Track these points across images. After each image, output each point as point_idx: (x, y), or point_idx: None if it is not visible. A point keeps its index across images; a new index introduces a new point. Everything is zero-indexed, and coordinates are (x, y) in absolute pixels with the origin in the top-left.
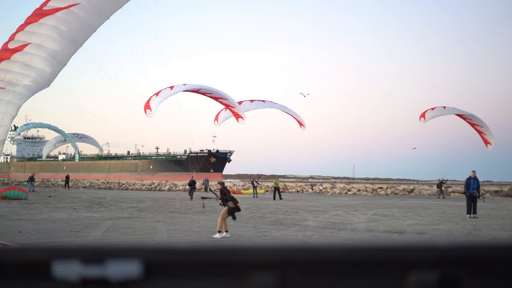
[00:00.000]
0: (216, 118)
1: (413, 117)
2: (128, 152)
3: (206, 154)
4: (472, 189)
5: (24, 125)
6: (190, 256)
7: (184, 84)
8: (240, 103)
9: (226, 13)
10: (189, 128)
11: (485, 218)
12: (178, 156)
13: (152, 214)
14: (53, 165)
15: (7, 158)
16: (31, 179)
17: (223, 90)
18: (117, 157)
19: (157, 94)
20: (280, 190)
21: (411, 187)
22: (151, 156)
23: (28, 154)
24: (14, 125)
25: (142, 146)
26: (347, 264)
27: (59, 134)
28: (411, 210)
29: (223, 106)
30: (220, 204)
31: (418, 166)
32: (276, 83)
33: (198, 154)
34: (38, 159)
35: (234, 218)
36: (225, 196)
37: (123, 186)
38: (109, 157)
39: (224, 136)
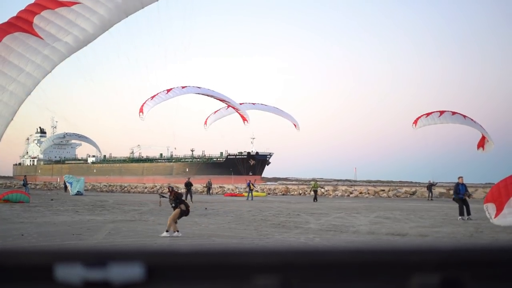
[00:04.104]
0: (205, 122)
1: (414, 118)
2: (161, 154)
3: (245, 156)
4: (461, 194)
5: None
6: (192, 258)
7: (183, 87)
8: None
9: (223, 18)
10: (191, 130)
11: (487, 221)
12: (215, 159)
13: (154, 217)
14: (83, 168)
15: (33, 161)
16: (24, 183)
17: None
18: (150, 160)
19: (152, 97)
20: (282, 193)
21: (413, 189)
22: (185, 159)
23: (55, 157)
24: (41, 128)
25: (175, 148)
26: (349, 267)
27: (59, 132)
28: (413, 213)
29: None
30: (172, 205)
31: (420, 168)
32: (273, 86)
33: (236, 157)
34: (66, 161)
35: (175, 221)
36: (178, 199)
37: (126, 189)
38: (141, 160)
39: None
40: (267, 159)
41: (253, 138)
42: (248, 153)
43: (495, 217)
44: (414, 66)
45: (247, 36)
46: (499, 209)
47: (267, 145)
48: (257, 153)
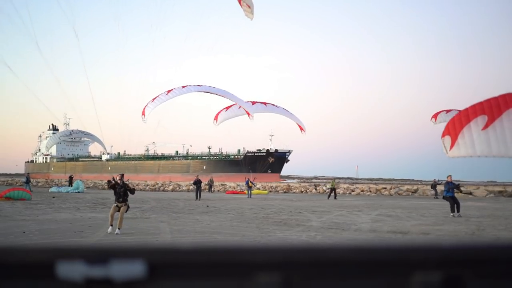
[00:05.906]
0: (216, 118)
1: (416, 116)
2: (177, 152)
3: (264, 154)
4: (450, 192)
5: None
6: (194, 256)
7: (183, 87)
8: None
9: (217, 17)
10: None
11: (489, 219)
12: (232, 156)
13: (155, 215)
14: (97, 166)
15: (46, 158)
16: (27, 180)
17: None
18: (165, 157)
19: (153, 100)
20: (284, 191)
21: (415, 187)
22: (202, 156)
23: (68, 154)
24: (53, 125)
25: (191, 145)
26: (351, 265)
27: (66, 129)
28: (415, 211)
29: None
30: (119, 199)
31: (422, 166)
32: (268, 85)
33: (255, 154)
34: (80, 159)
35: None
36: (126, 194)
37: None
38: (157, 157)
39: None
40: (286, 156)
41: (272, 135)
42: (267, 150)
43: (450, 149)
44: (415, 64)
45: (246, 35)
46: (453, 140)
47: (280, 143)
48: (276, 150)
